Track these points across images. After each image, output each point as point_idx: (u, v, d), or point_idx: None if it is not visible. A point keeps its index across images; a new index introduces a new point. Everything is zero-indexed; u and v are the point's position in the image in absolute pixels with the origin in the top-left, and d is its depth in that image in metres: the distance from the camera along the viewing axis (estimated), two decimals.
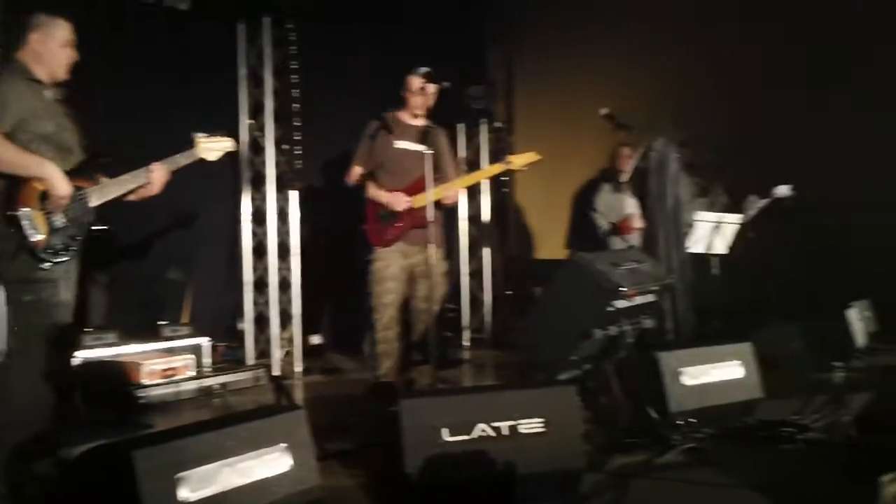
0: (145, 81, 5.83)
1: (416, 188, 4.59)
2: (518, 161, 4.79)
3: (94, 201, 3.38)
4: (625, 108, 5.96)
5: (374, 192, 4.71)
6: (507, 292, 8.39)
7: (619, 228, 6.35)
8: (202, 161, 3.76)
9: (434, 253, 4.41)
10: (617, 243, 6.30)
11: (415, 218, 4.60)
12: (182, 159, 3.67)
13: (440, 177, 4.68)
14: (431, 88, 4.71)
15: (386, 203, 4.65)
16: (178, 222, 6.03)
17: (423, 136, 4.63)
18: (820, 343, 5.42)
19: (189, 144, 3.71)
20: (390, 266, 4.65)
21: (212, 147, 3.77)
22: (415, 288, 4.73)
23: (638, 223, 6.28)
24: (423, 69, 4.69)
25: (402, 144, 4.71)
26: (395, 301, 4.67)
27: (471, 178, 5.07)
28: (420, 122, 4.78)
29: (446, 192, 4.63)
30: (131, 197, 3.56)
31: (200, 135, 3.75)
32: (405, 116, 4.79)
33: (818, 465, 3.30)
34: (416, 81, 4.70)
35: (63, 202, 3.24)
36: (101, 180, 3.43)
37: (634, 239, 6.23)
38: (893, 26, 7.17)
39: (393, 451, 2.74)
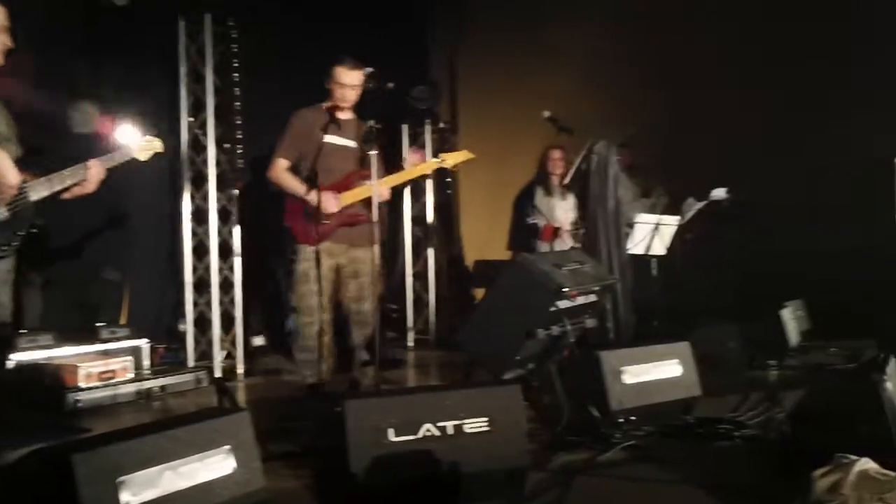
0: (83, 77, 5.70)
1: (344, 185, 4.53)
2: (451, 159, 4.84)
3: (34, 196, 3.31)
4: (567, 110, 6.04)
5: (299, 189, 4.53)
6: (452, 293, 8.42)
7: (542, 233, 6.43)
8: (134, 160, 3.79)
9: (375, 252, 4.32)
10: (543, 247, 6.37)
11: (343, 216, 4.53)
12: (118, 157, 3.66)
13: (368, 173, 4.51)
14: (357, 79, 4.58)
15: (314, 202, 4.44)
16: (116, 221, 5.92)
17: (355, 132, 4.60)
18: (755, 342, 5.56)
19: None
20: (316, 266, 4.47)
21: (144, 147, 3.82)
22: (345, 288, 4.65)
23: (567, 227, 6.38)
24: (354, 63, 4.56)
25: (331, 139, 4.59)
26: (322, 303, 4.50)
27: (404, 175, 4.84)
28: (347, 115, 4.68)
29: (380, 189, 4.48)
30: (66, 195, 3.49)
31: None
32: (340, 111, 4.66)
33: (753, 461, 3.39)
34: (346, 74, 4.56)
35: (11, 192, 3.15)
36: (38, 175, 3.36)
37: (560, 244, 6.32)
38: (824, 32, 7.40)
39: (338, 452, 2.73)
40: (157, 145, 3.91)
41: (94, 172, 3.49)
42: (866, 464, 2.56)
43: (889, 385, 2.93)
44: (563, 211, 6.48)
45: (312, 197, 4.45)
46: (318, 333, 4.48)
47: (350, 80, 4.58)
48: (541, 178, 6.61)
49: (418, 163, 4.89)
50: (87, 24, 5.78)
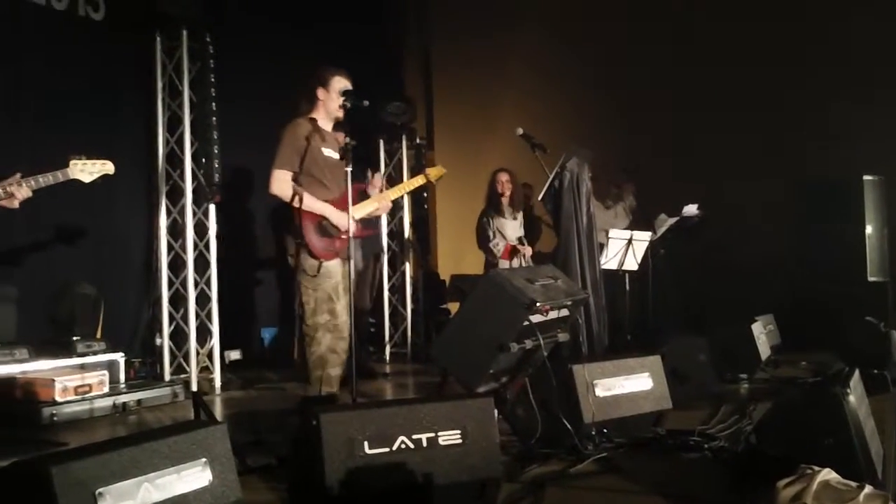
0: (60, 92, 5.71)
1: (344, 200, 4.36)
2: (433, 174, 4.97)
3: None
4: (539, 127, 6.13)
5: (317, 205, 4.35)
6: (427, 307, 8.47)
7: (502, 253, 6.72)
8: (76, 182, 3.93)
9: (351, 266, 4.26)
10: (504, 265, 6.61)
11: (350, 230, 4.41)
12: (51, 178, 3.77)
13: (366, 187, 4.66)
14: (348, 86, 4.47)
15: (332, 217, 4.34)
16: (91, 235, 5.92)
17: (338, 144, 4.51)
18: (725, 356, 5.63)
19: (63, 165, 3.87)
20: (341, 282, 4.39)
21: (88, 170, 3.94)
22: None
23: (518, 247, 6.71)
24: (348, 87, 4.46)
25: (328, 152, 4.47)
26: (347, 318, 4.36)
27: (396, 191, 4.89)
28: (330, 127, 4.58)
29: (379, 204, 4.62)
30: None
31: (76, 157, 3.93)
32: (322, 120, 4.52)
33: (721, 472, 3.46)
34: (343, 82, 4.45)
35: None
36: None
37: (518, 261, 6.66)
38: (797, 49, 7.56)
39: (313, 465, 2.76)
40: (107, 168, 4.02)
41: (19, 192, 3.58)
42: (828, 474, 2.63)
43: (852, 398, 3.00)
44: (512, 230, 6.82)
45: (329, 211, 4.36)
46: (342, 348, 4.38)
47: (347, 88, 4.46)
48: (492, 200, 6.90)
49: (379, 184, 4.92)
50: (61, 39, 5.79)
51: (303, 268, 4.33)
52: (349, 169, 4.20)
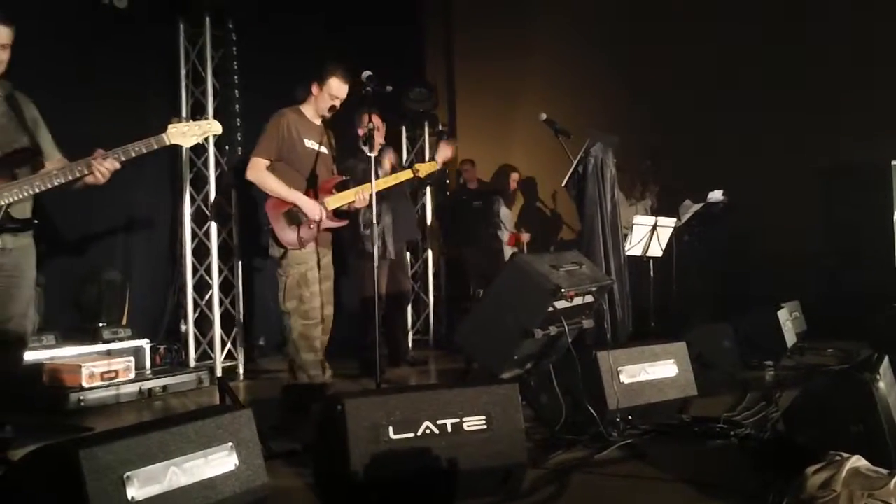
0: (84, 81, 5.74)
1: (324, 189, 4.56)
2: (424, 169, 5.04)
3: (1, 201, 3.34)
4: (562, 113, 6.09)
5: (288, 193, 4.45)
6: (450, 294, 8.47)
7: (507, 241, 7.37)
8: (137, 158, 3.62)
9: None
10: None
11: (324, 219, 4.52)
12: (141, 147, 3.55)
13: (344, 178, 4.72)
14: (346, 92, 4.57)
15: (304, 206, 4.44)
16: (117, 222, 5.96)
17: (321, 137, 4.63)
18: (751, 342, 5.60)
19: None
20: (313, 268, 4.50)
21: (191, 132, 3.66)
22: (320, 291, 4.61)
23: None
24: (348, 76, 4.55)
25: (310, 144, 4.59)
26: (322, 303, 4.54)
27: (381, 183, 4.78)
28: (318, 120, 4.68)
29: (360, 195, 4.60)
30: (79, 185, 3.50)
31: (175, 121, 3.68)
32: (310, 113, 4.65)
33: (747, 460, 3.43)
34: (340, 88, 4.54)
35: None
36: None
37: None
38: (823, 34, 7.45)
39: (337, 450, 2.77)
40: (214, 127, 3.78)
41: (101, 168, 3.45)
42: (858, 461, 2.60)
43: (881, 385, 2.97)
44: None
45: (301, 200, 4.45)
46: (316, 335, 4.50)
47: (341, 93, 4.57)
48: (501, 191, 7.46)
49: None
50: (86, 27, 5.80)
51: (273, 253, 4.52)
52: (374, 155, 4.28)
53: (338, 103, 4.60)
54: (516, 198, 8.33)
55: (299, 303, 4.44)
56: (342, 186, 4.67)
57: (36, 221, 3.52)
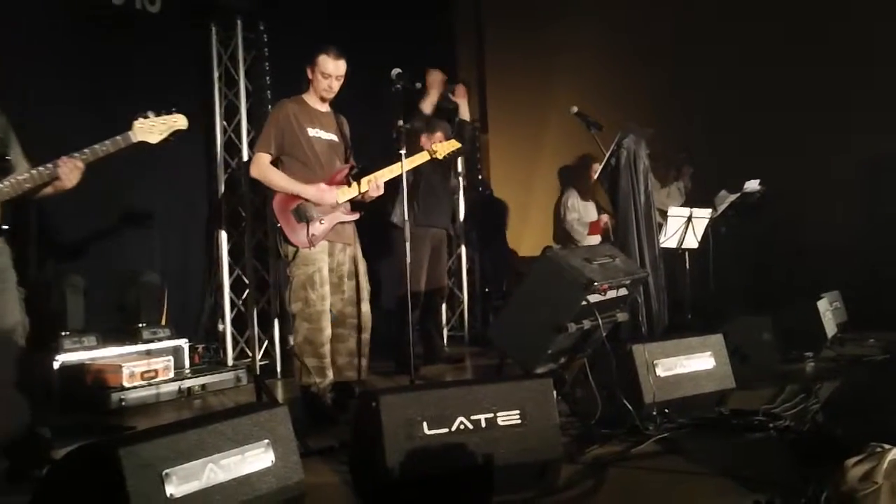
0: (118, 84, 5.81)
1: (335, 180, 4.39)
2: (442, 150, 4.80)
3: None
4: (594, 107, 6.06)
5: (292, 185, 4.30)
6: (485, 290, 8.46)
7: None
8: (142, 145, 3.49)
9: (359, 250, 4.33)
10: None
11: (337, 213, 4.38)
12: (107, 146, 3.40)
13: (347, 170, 4.48)
14: (342, 69, 4.41)
15: (312, 198, 4.28)
16: (153, 224, 6.04)
17: (333, 126, 4.49)
18: (790, 334, 5.51)
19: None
20: (322, 269, 4.29)
21: (157, 129, 3.51)
22: (340, 290, 4.45)
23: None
24: (339, 52, 4.42)
25: (315, 132, 4.43)
26: (329, 307, 4.31)
27: (388, 172, 4.53)
28: (325, 108, 4.54)
29: (373, 182, 4.40)
30: (47, 191, 3.38)
31: (140, 116, 3.52)
32: (313, 101, 4.49)
33: (786, 452, 3.39)
34: (330, 63, 4.37)
35: None
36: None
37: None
38: (848, 31, 7.32)
39: (373, 447, 2.78)
40: (179, 122, 3.57)
41: (64, 170, 3.30)
42: None
43: None
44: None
45: (306, 191, 4.29)
46: (326, 341, 4.33)
47: (334, 70, 4.39)
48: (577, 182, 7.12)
49: (437, 138, 4.89)
50: (118, 32, 5.88)
51: (282, 253, 4.33)
52: (403, 151, 4.24)
53: (334, 83, 4.42)
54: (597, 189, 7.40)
55: (304, 305, 4.26)
56: (356, 176, 4.45)
57: (6, 227, 3.33)
